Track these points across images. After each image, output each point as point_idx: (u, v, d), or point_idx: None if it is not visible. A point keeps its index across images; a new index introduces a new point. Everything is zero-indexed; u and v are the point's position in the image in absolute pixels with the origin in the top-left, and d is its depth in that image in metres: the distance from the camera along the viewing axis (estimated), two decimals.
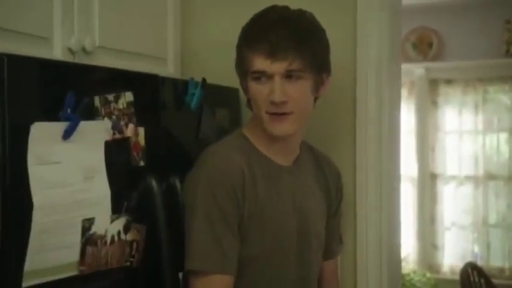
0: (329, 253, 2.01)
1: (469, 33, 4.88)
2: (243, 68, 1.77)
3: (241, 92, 2.09)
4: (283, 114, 1.71)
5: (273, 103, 1.69)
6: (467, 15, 4.87)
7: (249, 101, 1.83)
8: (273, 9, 1.79)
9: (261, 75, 1.70)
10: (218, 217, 1.71)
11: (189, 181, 1.77)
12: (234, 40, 1.89)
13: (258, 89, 1.71)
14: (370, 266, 2.15)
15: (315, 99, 1.81)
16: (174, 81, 1.94)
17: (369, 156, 2.13)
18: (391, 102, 2.16)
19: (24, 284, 1.38)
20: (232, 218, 1.72)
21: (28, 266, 1.39)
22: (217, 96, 2.08)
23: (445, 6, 4.78)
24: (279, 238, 1.82)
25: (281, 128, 1.74)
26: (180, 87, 1.90)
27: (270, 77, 1.68)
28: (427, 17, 4.84)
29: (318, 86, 1.75)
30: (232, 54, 1.94)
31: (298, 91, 1.70)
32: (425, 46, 4.96)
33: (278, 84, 1.67)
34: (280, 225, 1.82)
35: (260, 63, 1.69)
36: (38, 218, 1.40)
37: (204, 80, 1.92)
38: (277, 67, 1.66)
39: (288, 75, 1.67)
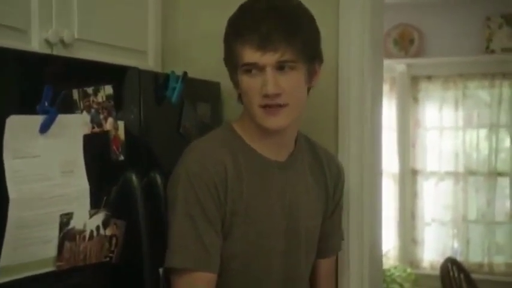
0: (327, 250, 1.99)
1: (450, 30, 4.97)
2: (232, 61, 1.74)
3: (223, 86, 2.20)
4: (277, 106, 1.69)
5: (266, 96, 1.66)
6: (448, 12, 4.96)
7: (239, 95, 1.81)
8: None
9: (252, 68, 1.67)
10: (199, 213, 1.70)
11: (171, 177, 1.77)
12: (217, 33, 1.87)
13: (250, 83, 1.69)
14: (351, 262, 2.15)
15: (308, 89, 1.79)
16: (154, 75, 1.96)
17: (351, 153, 2.13)
18: (373, 98, 2.17)
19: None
20: (214, 214, 1.71)
21: (3, 261, 1.39)
22: (199, 91, 2.10)
23: (427, 3, 4.87)
24: (264, 237, 1.80)
25: (275, 121, 1.71)
26: (161, 80, 1.91)
27: (261, 69, 1.66)
28: (409, 14, 4.91)
29: (311, 75, 1.73)
30: (215, 48, 1.94)
31: (292, 82, 1.67)
32: (406, 42, 5.03)
33: (270, 76, 1.64)
34: (266, 225, 1.80)
35: (250, 55, 1.66)
36: (14, 213, 1.40)
37: (185, 73, 1.94)
38: (268, 59, 1.64)
39: (280, 67, 1.64)
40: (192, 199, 1.70)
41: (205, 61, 2.16)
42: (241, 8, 1.75)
